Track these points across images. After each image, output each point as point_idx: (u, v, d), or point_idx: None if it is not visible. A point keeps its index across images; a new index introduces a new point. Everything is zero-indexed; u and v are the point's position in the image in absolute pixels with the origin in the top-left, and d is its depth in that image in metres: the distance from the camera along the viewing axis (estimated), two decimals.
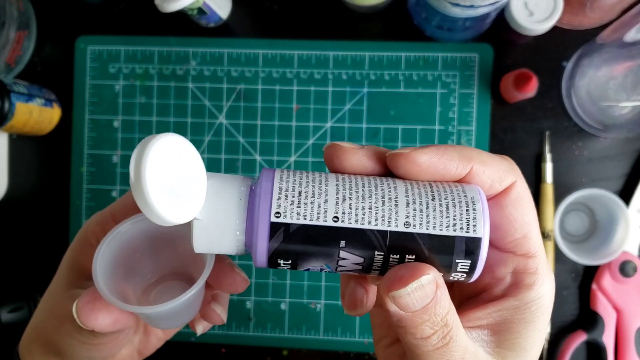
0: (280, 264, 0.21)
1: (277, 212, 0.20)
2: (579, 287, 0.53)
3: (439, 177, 0.22)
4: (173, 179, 0.19)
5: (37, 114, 0.53)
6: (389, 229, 0.20)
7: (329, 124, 0.55)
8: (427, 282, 0.20)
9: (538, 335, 0.23)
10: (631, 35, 0.44)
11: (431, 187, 0.21)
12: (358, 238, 0.20)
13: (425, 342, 0.21)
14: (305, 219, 0.20)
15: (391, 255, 0.20)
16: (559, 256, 0.52)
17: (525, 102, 0.53)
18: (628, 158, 0.53)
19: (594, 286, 0.52)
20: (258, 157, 0.55)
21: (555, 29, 0.52)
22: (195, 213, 0.20)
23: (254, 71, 0.55)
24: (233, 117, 0.55)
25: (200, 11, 0.51)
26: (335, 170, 0.23)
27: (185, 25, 0.56)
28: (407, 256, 0.21)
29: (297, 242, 0.20)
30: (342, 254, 0.20)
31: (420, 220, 0.20)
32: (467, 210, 0.21)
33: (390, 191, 0.21)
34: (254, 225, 0.20)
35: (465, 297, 0.25)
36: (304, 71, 0.55)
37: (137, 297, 0.30)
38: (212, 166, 0.55)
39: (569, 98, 0.53)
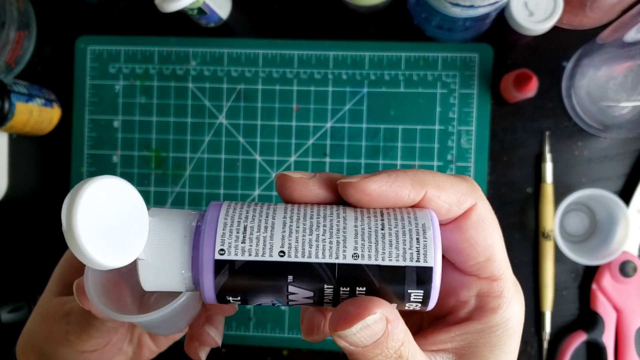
0: (229, 300, 0.21)
1: (222, 249, 0.20)
2: (579, 287, 0.53)
3: (390, 204, 0.21)
4: (110, 222, 0.19)
5: (37, 114, 0.53)
6: (336, 261, 0.20)
7: (329, 124, 0.55)
8: (374, 321, 0.19)
9: (506, 358, 0.22)
10: (631, 35, 0.44)
11: (382, 215, 0.21)
12: (306, 272, 0.20)
13: None
14: (250, 255, 0.20)
15: (341, 288, 0.20)
16: (559, 256, 0.52)
17: (525, 102, 0.53)
18: (628, 158, 0.53)
19: (594, 286, 0.52)
20: (258, 157, 0.55)
21: (555, 29, 0.52)
22: (136, 254, 0.20)
23: (254, 71, 0.55)
24: (233, 117, 0.55)
25: (200, 11, 0.51)
26: (286, 200, 0.22)
27: (186, 25, 0.56)
28: (357, 288, 0.20)
29: (244, 279, 0.20)
30: (291, 288, 0.20)
31: (369, 251, 0.20)
32: (417, 239, 0.20)
33: (339, 221, 0.20)
34: (199, 263, 0.20)
35: (433, 318, 0.24)
36: (304, 71, 0.55)
37: (138, 299, 0.30)
38: (212, 166, 0.55)
39: (569, 98, 0.53)
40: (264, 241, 0.20)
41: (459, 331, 0.22)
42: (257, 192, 0.55)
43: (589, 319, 0.52)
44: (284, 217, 0.20)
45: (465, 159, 0.53)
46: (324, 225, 0.20)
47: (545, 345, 0.52)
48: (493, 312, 0.22)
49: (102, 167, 0.56)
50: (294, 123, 0.55)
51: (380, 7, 0.53)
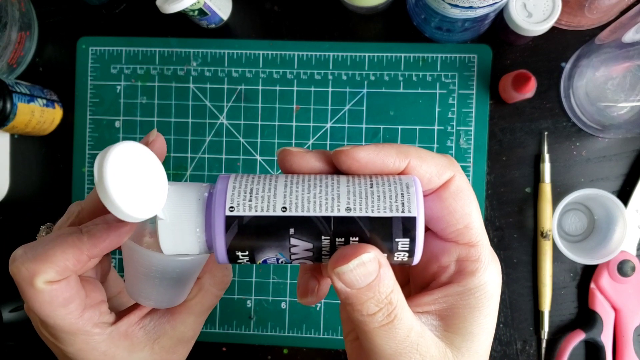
0: (238, 256, 0.23)
1: (231, 207, 0.22)
2: (577, 286, 0.53)
3: (377, 171, 0.24)
4: (135, 181, 0.21)
5: (39, 115, 0.53)
6: (332, 214, 0.22)
7: (329, 125, 0.55)
8: (369, 260, 0.21)
9: (485, 321, 0.24)
10: (629, 36, 0.44)
11: (371, 178, 0.24)
12: (305, 225, 0.22)
13: (370, 319, 0.22)
14: (256, 211, 0.22)
15: (337, 239, 0.22)
16: (557, 255, 0.52)
17: (523, 102, 0.53)
18: (626, 158, 0.53)
19: (592, 285, 0.52)
20: (258, 157, 0.55)
21: (553, 30, 0.52)
22: (157, 211, 0.22)
23: (254, 72, 0.55)
24: (234, 118, 0.56)
25: (201, 12, 0.52)
26: (286, 171, 0.24)
27: (186, 26, 0.56)
28: (351, 239, 0.22)
29: (251, 233, 0.22)
30: (293, 241, 0.22)
31: (360, 205, 0.22)
32: (402, 194, 0.23)
33: (333, 183, 0.23)
34: (212, 220, 0.22)
35: (419, 287, 0.27)
36: (304, 72, 0.55)
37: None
38: (213, 166, 0.56)
39: (568, 98, 0.53)
40: (268, 199, 0.22)
41: (440, 294, 0.25)
42: None
43: (587, 318, 0.52)
44: (285, 181, 0.23)
45: (464, 159, 0.54)
46: (320, 186, 0.23)
47: (544, 344, 0.53)
48: (471, 275, 0.24)
49: None
50: (294, 123, 0.55)
51: (379, 8, 0.53)
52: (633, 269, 0.51)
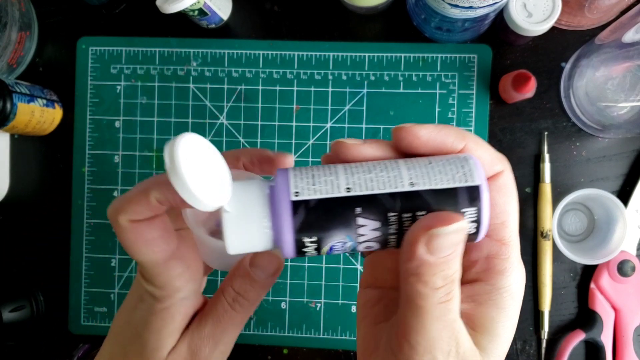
0: (305, 243, 0.22)
1: (296, 192, 0.22)
2: (577, 286, 0.53)
3: (436, 149, 0.24)
4: (203, 169, 0.21)
5: (39, 115, 0.53)
6: (396, 190, 0.22)
7: (329, 125, 0.55)
8: (461, 229, 0.21)
9: (509, 323, 0.24)
10: (629, 36, 0.44)
11: (428, 158, 0.24)
12: (371, 203, 0.22)
13: (433, 294, 0.21)
14: (321, 193, 0.22)
15: (403, 215, 0.22)
16: (557, 255, 0.52)
17: (523, 102, 0.53)
18: (626, 158, 0.53)
19: (592, 285, 0.52)
20: None
21: (553, 30, 0.52)
22: (225, 201, 0.22)
23: (254, 72, 0.55)
24: (234, 118, 0.56)
25: (201, 12, 0.52)
26: (341, 162, 0.24)
27: (186, 26, 0.56)
28: (417, 213, 0.22)
29: (318, 215, 0.22)
30: (360, 220, 0.22)
31: (423, 179, 0.22)
32: (462, 166, 0.23)
33: (392, 164, 0.23)
34: (278, 207, 0.22)
35: None
36: (304, 72, 0.55)
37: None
38: None
39: (568, 98, 0.53)
40: (332, 182, 0.22)
41: (468, 292, 0.24)
42: None
43: (587, 318, 0.52)
44: (344, 166, 0.23)
45: None
46: (380, 167, 0.23)
47: (544, 344, 0.53)
48: (500, 274, 0.24)
49: (104, 167, 0.56)
50: (294, 123, 0.55)
51: (379, 8, 0.53)
52: (633, 269, 0.51)
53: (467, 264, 0.25)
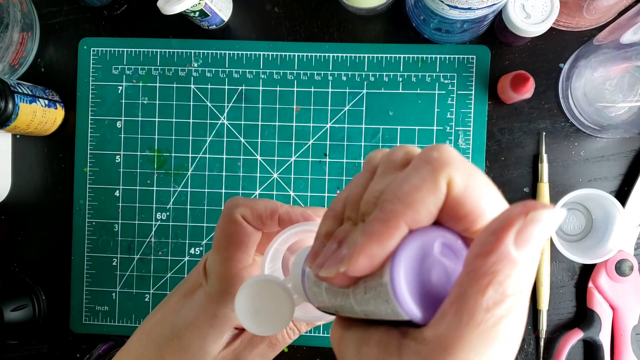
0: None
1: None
2: (575, 285, 0.54)
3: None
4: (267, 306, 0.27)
5: (41, 115, 0.54)
6: (355, 316, 0.22)
7: (328, 125, 0.55)
8: (557, 218, 0.16)
9: None
10: (627, 36, 0.44)
11: (363, 285, 0.20)
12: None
13: (508, 301, 0.16)
14: (319, 304, 0.25)
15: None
16: (555, 255, 0.52)
17: (522, 102, 0.54)
18: (624, 158, 0.54)
19: (590, 284, 0.53)
20: (259, 157, 0.56)
21: (552, 31, 0.52)
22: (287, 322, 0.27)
23: (255, 73, 0.56)
24: (234, 118, 0.56)
25: (202, 13, 0.52)
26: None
27: (187, 27, 0.56)
28: None
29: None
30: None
31: (372, 313, 0.21)
32: (386, 300, 0.19)
33: (345, 295, 0.22)
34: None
35: None
36: (304, 73, 0.55)
37: None
38: (213, 166, 0.56)
39: (566, 99, 0.53)
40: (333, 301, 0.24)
41: None
42: (257, 192, 0.56)
43: (585, 317, 0.53)
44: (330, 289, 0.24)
45: None
46: (338, 296, 0.23)
47: (542, 343, 0.53)
48: None
49: (105, 167, 0.57)
50: (294, 124, 0.56)
51: (379, 9, 0.54)
52: (631, 268, 0.51)
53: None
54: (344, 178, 0.55)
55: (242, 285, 0.26)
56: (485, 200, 0.19)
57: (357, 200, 0.21)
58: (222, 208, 0.33)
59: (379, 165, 0.22)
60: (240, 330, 0.33)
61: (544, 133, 0.53)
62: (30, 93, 0.53)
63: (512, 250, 0.16)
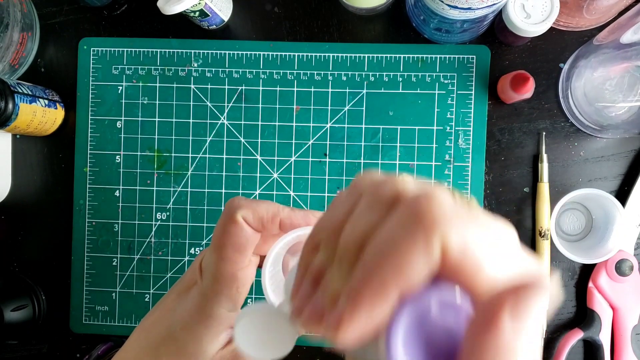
0: None
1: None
2: (575, 285, 0.54)
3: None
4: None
5: (41, 115, 0.54)
6: None
7: (328, 125, 0.55)
8: (547, 290, 0.16)
9: None
10: (627, 36, 0.44)
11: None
12: None
13: None
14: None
15: None
16: (555, 255, 0.52)
17: (522, 102, 0.54)
18: (624, 158, 0.54)
19: (590, 284, 0.53)
20: (259, 157, 0.56)
21: (552, 30, 0.52)
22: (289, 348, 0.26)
23: (255, 72, 0.56)
24: (234, 118, 0.56)
25: (202, 13, 0.52)
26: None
27: (187, 27, 0.56)
28: None
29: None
30: None
31: None
32: None
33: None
34: None
35: None
36: (304, 73, 0.55)
37: None
38: (214, 166, 0.56)
39: (566, 99, 0.53)
40: None
41: None
42: (257, 192, 0.56)
43: (585, 317, 0.53)
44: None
45: (462, 159, 0.54)
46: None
47: (542, 343, 0.53)
48: None
49: (105, 167, 0.57)
50: (294, 123, 0.56)
51: (379, 9, 0.54)
52: (631, 268, 0.51)
53: None
54: (344, 178, 0.55)
55: (238, 316, 0.25)
56: (487, 259, 0.17)
57: (335, 229, 0.20)
58: (223, 208, 0.33)
59: (362, 195, 0.20)
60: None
61: (544, 133, 0.53)
62: (30, 93, 0.53)
63: (509, 325, 0.16)
